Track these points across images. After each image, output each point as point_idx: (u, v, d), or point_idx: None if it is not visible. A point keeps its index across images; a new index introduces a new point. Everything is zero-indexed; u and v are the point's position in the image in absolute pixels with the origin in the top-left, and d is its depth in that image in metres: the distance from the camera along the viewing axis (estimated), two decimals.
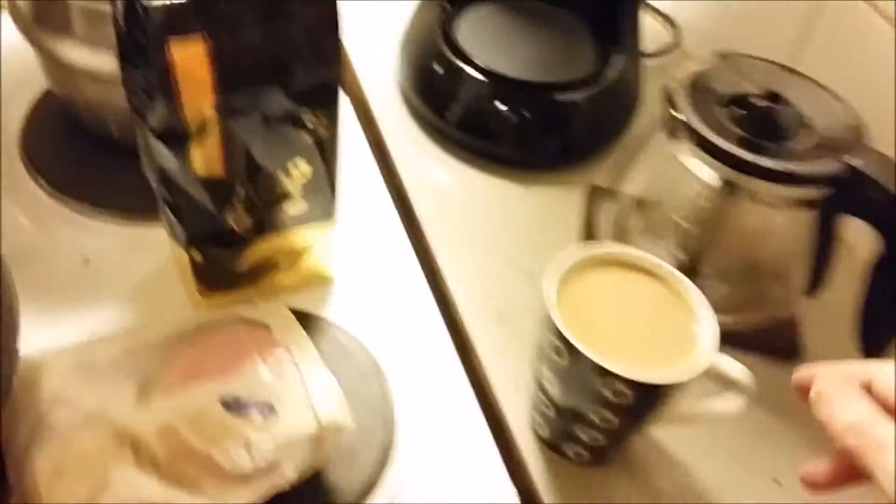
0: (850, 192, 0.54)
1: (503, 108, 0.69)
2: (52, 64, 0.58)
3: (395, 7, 0.82)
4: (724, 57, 0.62)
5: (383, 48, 0.81)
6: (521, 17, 0.77)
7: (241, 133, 0.48)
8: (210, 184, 0.50)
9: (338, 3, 0.46)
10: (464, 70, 0.70)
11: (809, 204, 0.56)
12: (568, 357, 0.47)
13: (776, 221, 0.59)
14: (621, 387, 0.46)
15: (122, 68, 0.47)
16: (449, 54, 0.71)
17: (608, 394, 0.47)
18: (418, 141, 0.74)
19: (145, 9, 0.42)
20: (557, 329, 0.47)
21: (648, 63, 0.82)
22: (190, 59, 0.44)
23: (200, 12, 0.43)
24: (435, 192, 0.70)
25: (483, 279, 0.63)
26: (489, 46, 0.72)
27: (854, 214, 0.55)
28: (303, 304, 0.58)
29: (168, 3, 0.42)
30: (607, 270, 0.51)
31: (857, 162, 0.53)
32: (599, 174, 0.73)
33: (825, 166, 0.54)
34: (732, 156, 0.54)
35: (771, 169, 0.54)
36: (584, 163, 0.74)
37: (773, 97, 0.57)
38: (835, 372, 0.40)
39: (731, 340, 0.62)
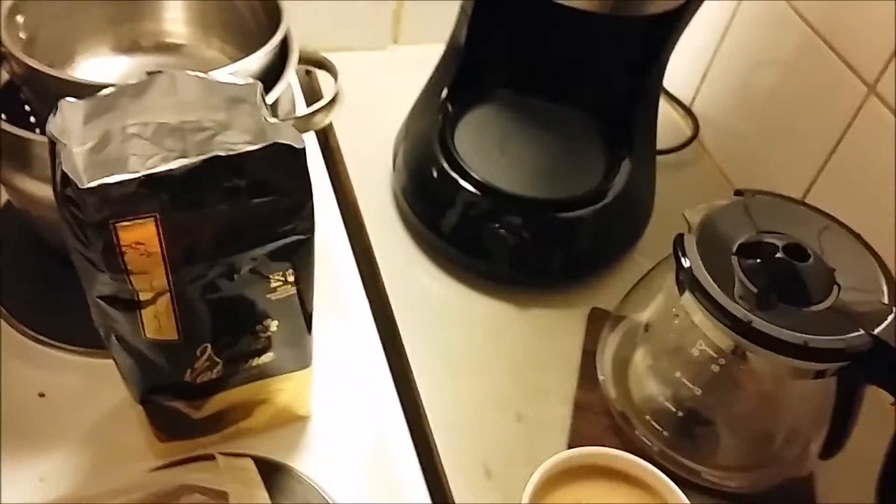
0: (873, 363, 0.49)
1: (499, 226, 0.63)
2: (13, 190, 0.53)
3: (398, 101, 0.76)
4: (744, 195, 0.56)
5: (381, 147, 0.75)
6: (527, 119, 0.71)
7: (201, 297, 0.44)
8: (166, 344, 0.45)
9: (309, 175, 0.41)
10: (459, 182, 0.64)
11: (828, 372, 0.51)
12: None
13: (790, 389, 0.54)
14: None
15: (64, 232, 0.41)
16: (444, 163, 0.65)
17: None
18: (409, 252, 0.68)
19: (83, 191, 0.37)
20: None
21: (662, 158, 0.77)
22: (139, 239, 0.39)
23: (150, 194, 0.38)
24: (423, 311, 0.65)
25: (470, 422, 0.58)
26: (489, 154, 0.66)
27: (877, 384, 0.51)
28: (272, 447, 0.54)
29: (112, 181, 0.37)
30: (593, 482, 0.45)
31: (883, 333, 0.48)
32: (605, 293, 0.67)
33: (847, 341, 0.48)
34: (742, 322, 0.49)
35: (785, 341, 0.48)
36: (588, 282, 0.68)
37: (795, 249, 0.52)
38: None
39: (743, 502, 0.56)
